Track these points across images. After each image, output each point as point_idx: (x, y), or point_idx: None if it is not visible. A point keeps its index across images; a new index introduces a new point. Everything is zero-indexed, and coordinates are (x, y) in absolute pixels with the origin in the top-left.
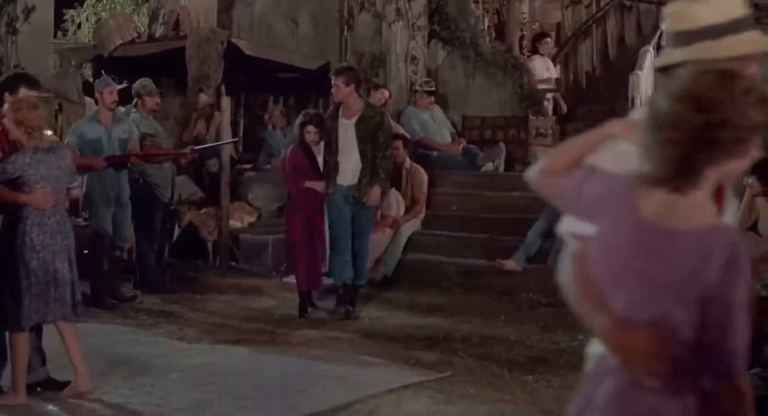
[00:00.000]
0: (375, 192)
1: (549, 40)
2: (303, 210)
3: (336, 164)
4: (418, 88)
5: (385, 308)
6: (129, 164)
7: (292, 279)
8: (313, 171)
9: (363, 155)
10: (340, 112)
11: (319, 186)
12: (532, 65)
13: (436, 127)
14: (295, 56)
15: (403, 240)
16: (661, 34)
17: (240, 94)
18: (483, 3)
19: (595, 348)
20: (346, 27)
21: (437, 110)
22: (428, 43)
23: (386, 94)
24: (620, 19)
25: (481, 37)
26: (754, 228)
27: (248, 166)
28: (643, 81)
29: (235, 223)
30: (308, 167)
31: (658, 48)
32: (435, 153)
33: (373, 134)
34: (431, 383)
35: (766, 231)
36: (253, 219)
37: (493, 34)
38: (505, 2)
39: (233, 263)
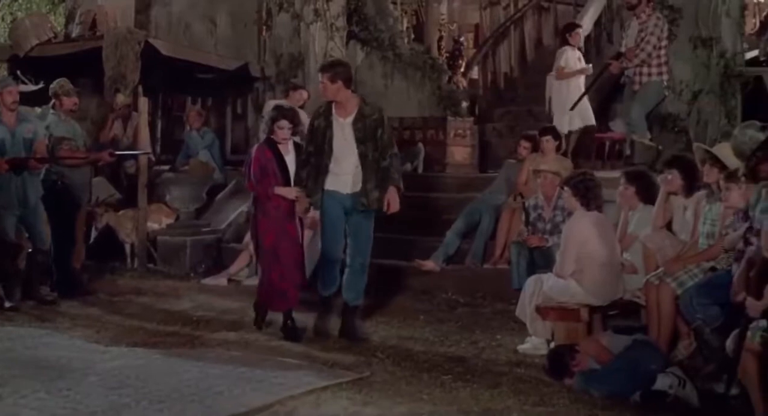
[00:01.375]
0: (393, 195)
1: (580, 30)
2: (274, 216)
3: (325, 167)
4: None
5: (303, 309)
6: (33, 166)
7: (211, 280)
8: (282, 173)
9: (363, 157)
10: (334, 111)
11: (289, 192)
12: (563, 57)
13: None
14: (213, 57)
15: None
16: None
17: (158, 94)
18: (402, 4)
19: None
20: (264, 27)
21: None
22: (347, 43)
23: (305, 94)
24: (538, 20)
25: (400, 38)
26: (668, 227)
27: (166, 167)
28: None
29: (152, 225)
30: (277, 169)
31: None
32: None
33: (373, 133)
34: (350, 384)
35: (679, 229)
36: (171, 220)
37: (412, 35)
38: (423, 3)
39: (151, 265)
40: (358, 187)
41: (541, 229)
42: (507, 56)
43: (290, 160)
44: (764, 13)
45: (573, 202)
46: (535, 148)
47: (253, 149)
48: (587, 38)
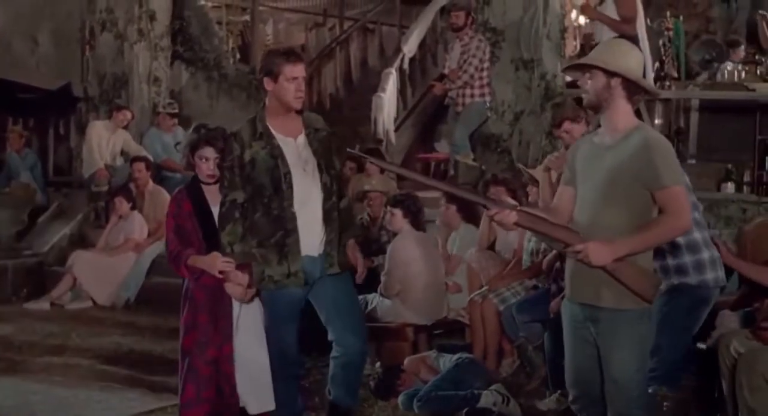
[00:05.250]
0: (354, 250)
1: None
2: (210, 303)
3: (293, 218)
4: (161, 109)
5: (128, 332)
6: None
7: (33, 304)
8: (207, 235)
9: (328, 193)
10: (272, 128)
11: (211, 263)
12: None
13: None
14: (35, 76)
15: (146, 264)
16: (403, 56)
17: None
18: (227, 24)
19: None
20: (87, 47)
21: (180, 132)
22: (171, 64)
23: (128, 115)
24: (363, 41)
25: (225, 58)
26: (492, 247)
27: None
28: (386, 103)
29: None
30: (199, 228)
31: (401, 70)
32: (178, 175)
33: (331, 156)
34: (174, 408)
35: (503, 249)
36: None
37: (238, 56)
38: (249, 24)
39: None
40: (323, 246)
41: (367, 249)
42: (333, 77)
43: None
44: (584, 36)
45: (400, 222)
46: (360, 168)
47: (170, 199)
48: (412, 60)
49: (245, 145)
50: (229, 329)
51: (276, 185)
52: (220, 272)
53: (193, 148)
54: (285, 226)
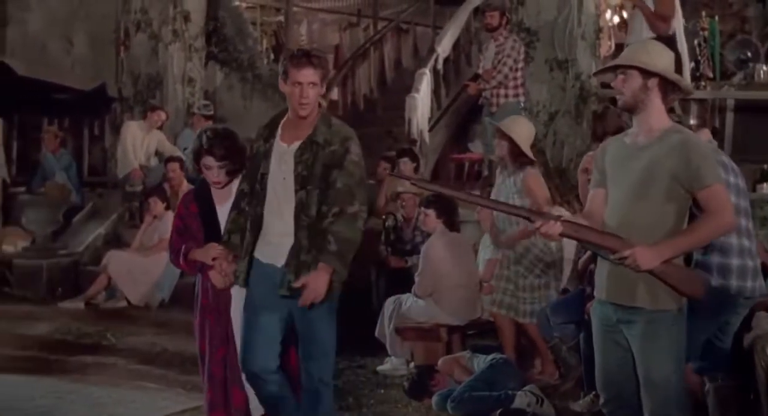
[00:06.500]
0: (315, 279)
1: None
2: (213, 303)
3: (256, 221)
4: (196, 110)
5: (162, 332)
6: None
7: (68, 304)
8: (210, 234)
9: (301, 210)
10: (279, 130)
11: (206, 253)
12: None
13: None
14: (70, 77)
15: None
16: (437, 57)
17: (13, 115)
18: (261, 25)
19: None
20: (122, 48)
21: None
22: (206, 64)
23: (163, 115)
24: (397, 42)
25: (259, 58)
26: None
27: (21, 189)
28: (420, 103)
29: (7, 248)
30: (202, 228)
31: (435, 71)
32: None
33: (325, 174)
34: None
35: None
36: (26, 243)
37: (272, 56)
38: (283, 24)
39: (6, 289)
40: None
41: (401, 250)
42: (367, 77)
43: (226, 212)
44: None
45: (434, 223)
46: (394, 169)
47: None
48: (446, 60)
49: (257, 139)
50: (230, 330)
51: (253, 184)
52: (213, 259)
53: (196, 156)
54: (251, 226)
